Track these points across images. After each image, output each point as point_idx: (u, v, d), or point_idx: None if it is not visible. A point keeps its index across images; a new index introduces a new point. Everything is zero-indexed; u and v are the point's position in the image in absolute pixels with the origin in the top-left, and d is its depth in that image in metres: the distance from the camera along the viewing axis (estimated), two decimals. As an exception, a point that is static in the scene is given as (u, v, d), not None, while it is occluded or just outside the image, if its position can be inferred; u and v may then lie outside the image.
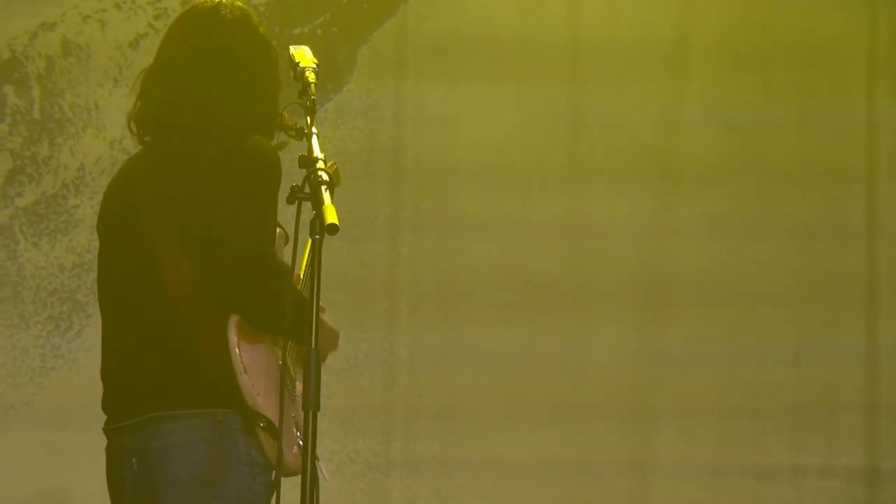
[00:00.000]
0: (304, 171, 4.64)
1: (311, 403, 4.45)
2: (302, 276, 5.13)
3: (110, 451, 5.01)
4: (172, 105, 5.11)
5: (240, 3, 5.28)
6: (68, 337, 8.65)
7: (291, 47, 5.01)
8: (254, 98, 5.14)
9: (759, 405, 8.86)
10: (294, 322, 4.71)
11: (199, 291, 4.91)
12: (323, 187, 4.54)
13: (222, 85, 5.10)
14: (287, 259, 4.94)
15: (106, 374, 5.09)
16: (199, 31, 5.22)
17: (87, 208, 8.65)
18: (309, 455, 4.45)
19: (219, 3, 5.21)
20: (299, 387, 4.96)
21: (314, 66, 4.91)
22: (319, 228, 4.47)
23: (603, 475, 8.71)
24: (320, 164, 4.62)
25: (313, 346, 4.50)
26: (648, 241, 9.03)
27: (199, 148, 5.00)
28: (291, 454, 4.85)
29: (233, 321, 4.89)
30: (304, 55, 4.95)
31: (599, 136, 8.98)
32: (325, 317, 4.90)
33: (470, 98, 8.93)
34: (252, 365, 4.89)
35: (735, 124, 9.08)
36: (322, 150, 4.67)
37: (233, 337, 4.88)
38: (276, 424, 4.76)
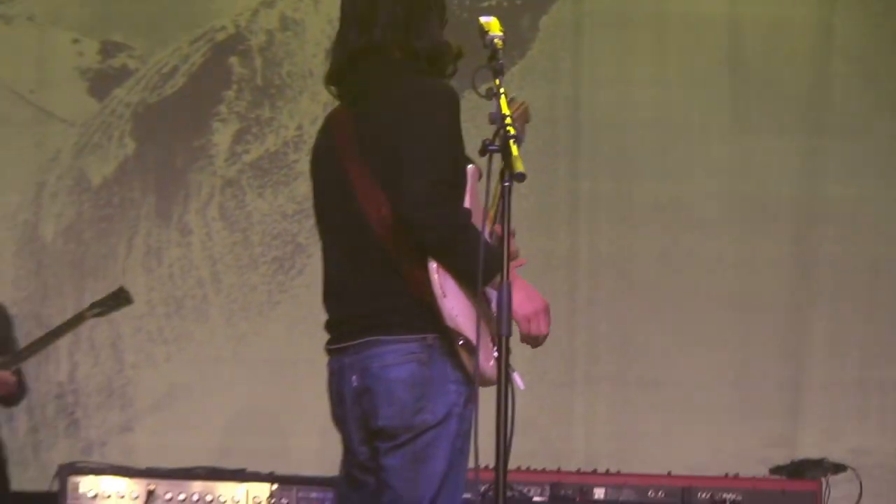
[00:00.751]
0: (494, 126, 4.66)
1: (504, 330, 4.59)
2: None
3: (331, 368, 5.15)
4: (350, 59, 5.17)
5: None
6: (291, 275, 8.87)
7: (481, 18, 4.94)
8: (420, 41, 5.13)
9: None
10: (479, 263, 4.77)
11: (399, 229, 4.97)
12: (511, 140, 4.59)
13: (387, 35, 5.13)
14: (480, 195, 4.97)
15: (327, 301, 5.21)
16: None
17: (305, 163, 8.59)
18: (503, 374, 4.56)
19: None
20: (495, 308, 4.90)
21: (501, 34, 4.86)
22: (509, 176, 4.56)
23: (761, 389, 8.77)
24: (508, 120, 4.63)
25: (505, 278, 4.61)
26: (799, 217, 9.03)
27: (382, 94, 5.07)
28: (489, 366, 4.90)
29: None
30: (492, 25, 4.88)
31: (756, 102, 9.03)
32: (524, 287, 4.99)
33: (638, 62, 8.97)
34: (450, 290, 4.93)
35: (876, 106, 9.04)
36: (509, 108, 4.67)
37: (432, 265, 4.92)
38: (474, 342, 4.82)
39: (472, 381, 4.93)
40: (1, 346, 7.68)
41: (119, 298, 7.73)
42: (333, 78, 5.21)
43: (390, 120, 4.98)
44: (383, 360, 5.02)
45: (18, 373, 7.62)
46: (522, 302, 4.95)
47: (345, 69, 5.18)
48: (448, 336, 4.95)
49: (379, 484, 5.08)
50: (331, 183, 5.14)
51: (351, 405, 5.10)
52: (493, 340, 4.92)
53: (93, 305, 7.72)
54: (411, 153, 4.93)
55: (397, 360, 5.01)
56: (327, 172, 5.17)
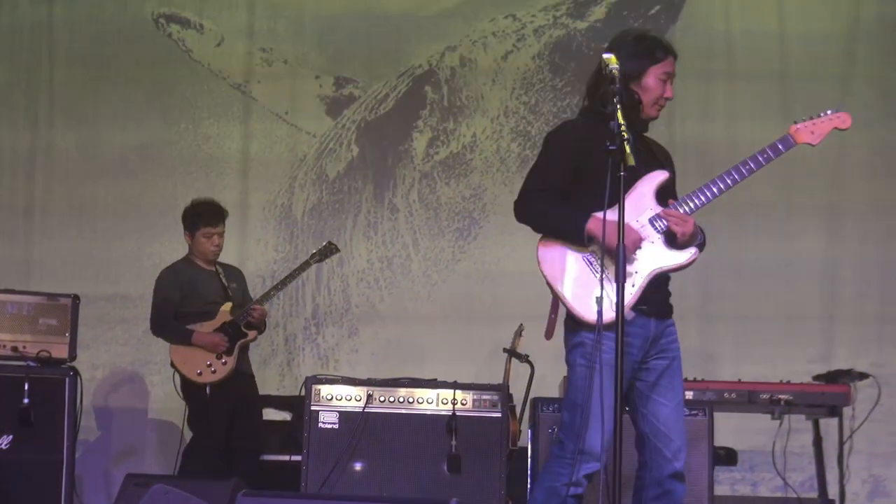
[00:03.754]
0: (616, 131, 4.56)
1: (621, 278, 4.52)
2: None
3: None
4: None
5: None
6: (468, 240, 8.89)
7: (603, 55, 4.77)
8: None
9: None
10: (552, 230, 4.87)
11: None
12: (625, 142, 4.49)
13: None
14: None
15: None
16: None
17: (479, 161, 8.91)
18: (620, 318, 4.49)
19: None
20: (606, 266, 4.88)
21: (617, 66, 4.66)
22: (624, 168, 4.47)
23: (806, 320, 8.58)
24: (623, 128, 4.51)
25: (621, 241, 4.50)
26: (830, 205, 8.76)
27: None
28: (584, 314, 4.80)
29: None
30: (611, 60, 4.71)
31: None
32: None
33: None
34: (546, 259, 4.88)
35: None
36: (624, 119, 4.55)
37: (538, 243, 4.93)
38: (559, 296, 4.82)
39: (586, 327, 4.82)
40: (242, 296, 7.64)
41: (329, 249, 7.68)
42: None
43: None
44: None
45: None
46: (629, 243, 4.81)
47: None
48: None
49: None
50: None
51: None
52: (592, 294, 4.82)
53: (312, 255, 7.64)
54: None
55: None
56: None
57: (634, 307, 4.82)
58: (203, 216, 7.54)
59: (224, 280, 7.58)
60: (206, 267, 7.59)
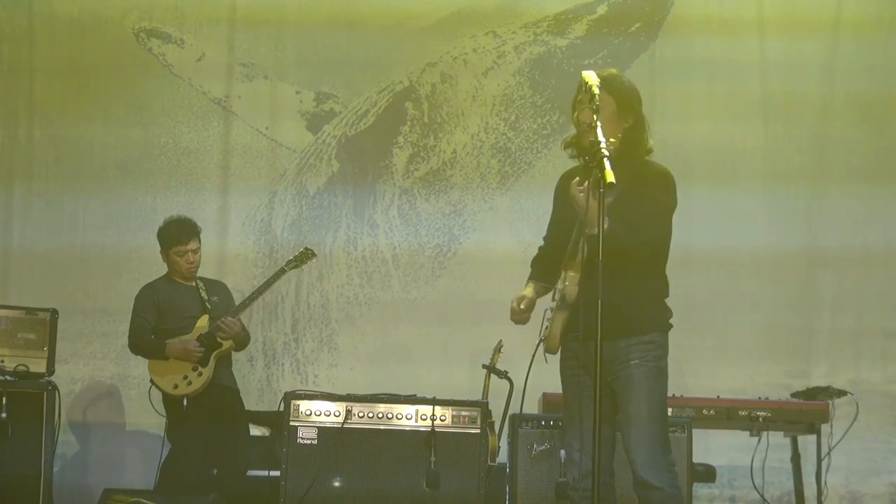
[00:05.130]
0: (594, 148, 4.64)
1: (602, 294, 4.61)
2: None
3: None
4: None
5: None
6: (448, 256, 8.88)
7: (583, 72, 4.91)
8: None
9: None
10: None
11: None
12: (605, 159, 4.56)
13: None
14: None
15: None
16: None
17: (459, 177, 8.92)
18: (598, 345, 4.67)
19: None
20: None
21: (598, 82, 4.80)
22: (603, 185, 4.56)
23: (784, 337, 8.59)
24: (602, 145, 4.59)
25: (600, 261, 4.60)
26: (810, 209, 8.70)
27: None
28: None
29: None
30: (590, 77, 4.84)
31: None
32: None
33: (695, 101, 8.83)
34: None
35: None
36: (604, 136, 4.62)
37: None
38: None
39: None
40: (224, 310, 7.58)
41: (306, 255, 7.71)
42: None
43: None
44: None
45: (240, 321, 7.59)
46: None
47: None
48: None
49: None
50: None
51: None
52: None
53: (289, 262, 7.67)
54: None
55: None
56: None
57: (568, 334, 5.16)
58: (172, 234, 7.58)
59: (204, 294, 7.60)
60: (184, 283, 7.62)
